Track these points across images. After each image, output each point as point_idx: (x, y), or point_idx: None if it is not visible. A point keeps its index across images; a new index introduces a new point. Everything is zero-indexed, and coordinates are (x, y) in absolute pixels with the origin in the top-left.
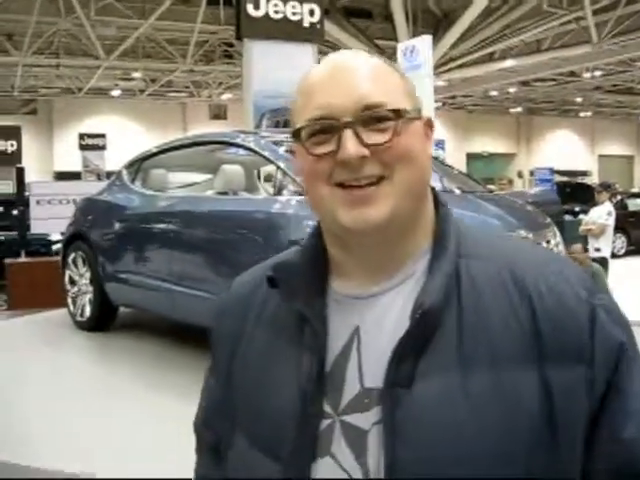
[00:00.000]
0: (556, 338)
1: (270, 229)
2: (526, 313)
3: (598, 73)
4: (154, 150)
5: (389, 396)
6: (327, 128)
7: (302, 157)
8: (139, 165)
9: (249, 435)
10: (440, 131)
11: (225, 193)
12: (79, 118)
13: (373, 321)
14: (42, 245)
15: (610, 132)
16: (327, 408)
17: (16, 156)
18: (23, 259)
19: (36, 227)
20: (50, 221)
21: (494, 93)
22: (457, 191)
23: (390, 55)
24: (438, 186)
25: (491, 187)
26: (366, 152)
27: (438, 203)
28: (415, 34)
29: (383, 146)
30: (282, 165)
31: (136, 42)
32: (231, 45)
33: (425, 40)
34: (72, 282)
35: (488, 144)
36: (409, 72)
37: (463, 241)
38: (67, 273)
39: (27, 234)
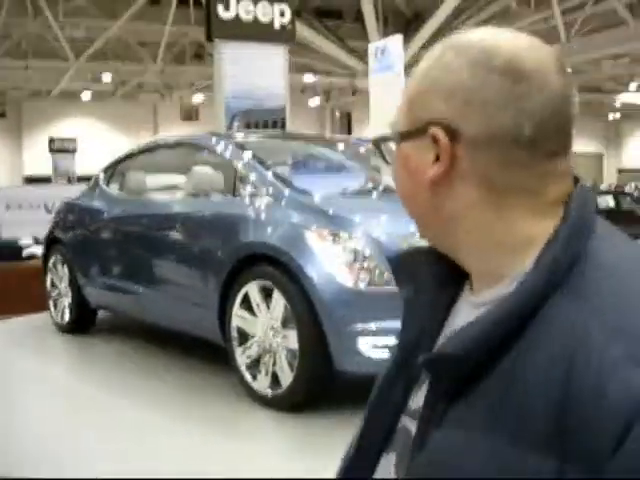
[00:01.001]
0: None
1: (224, 230)
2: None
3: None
4: (128, 153)
5: (419, 431)
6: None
7: None
8: (114, 169)
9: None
10: None
11: (198, 195)
12: (49, 121)
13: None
14: (12, 250)
15: (579, 130)
16: (408, 406)
17: None
18: None
19: (6, 232)
20: (20, 226)
21: None
22: None
23: (362, 56)
24: None
25: None
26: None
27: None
28: (386, 34)
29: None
30: (238, 166)
31: (106, 44)
32: (202, 46)
33: (396, 40)
34: (53, 285)
35: None
36: (380, 73)
37: (578, 272)
38: (48, 276)
39: None
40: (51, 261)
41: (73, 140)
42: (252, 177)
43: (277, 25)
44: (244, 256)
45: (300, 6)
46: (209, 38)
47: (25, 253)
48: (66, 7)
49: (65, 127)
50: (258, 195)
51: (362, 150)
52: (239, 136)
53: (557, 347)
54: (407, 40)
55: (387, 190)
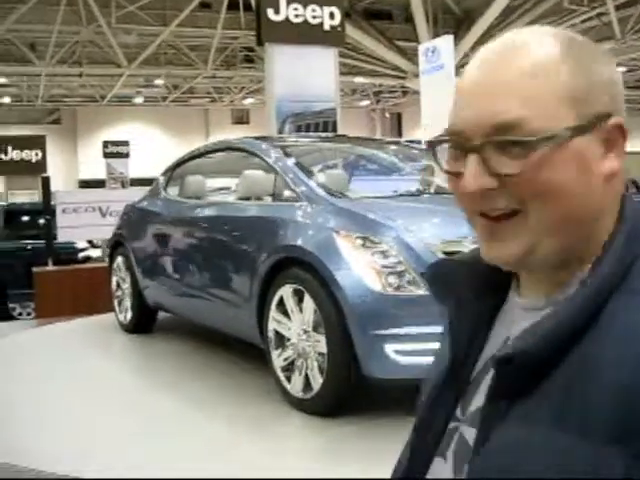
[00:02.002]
0: None
1: (263, 234)
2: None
3: (622, 69)
4: (184, 157)
5: (481, 431)
6: (457, 146)
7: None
8: (171, 172)
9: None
10: None
11: (249, 198)
12: (102, 126)
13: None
14: (69, 253)
15: (633, 128)
16: (458, 412)
17: (41, 165)
18: (50, 267)
19: (62, 235)
20: (76, 229)
21: None
22: None
23: (411, 57)
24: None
25: None
26: (492, 184)
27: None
28: (436, 35)
29: (514, 178)
30: (279, 171)
31: (157, 49)
32: (252, 50)
33: (446, 40)
34: (118, 286)
35: None
36: (431, 73)
37: (635, 271)
38: (113, 277)
39: (54, 242)
40: (115, 263)
41: (126, 144)
42: (290, 181)
43: (327, 27)
44: (279, 260)
45: (350, 8)
46: (259, 42)
47: (81, 256)
48: (118, 14)
49: (118, 132)
50: (295, 199)
51: (414, 152)
52: (284, 140)
53: (623, 343)
54: (458, 40)
55: (438, 192)
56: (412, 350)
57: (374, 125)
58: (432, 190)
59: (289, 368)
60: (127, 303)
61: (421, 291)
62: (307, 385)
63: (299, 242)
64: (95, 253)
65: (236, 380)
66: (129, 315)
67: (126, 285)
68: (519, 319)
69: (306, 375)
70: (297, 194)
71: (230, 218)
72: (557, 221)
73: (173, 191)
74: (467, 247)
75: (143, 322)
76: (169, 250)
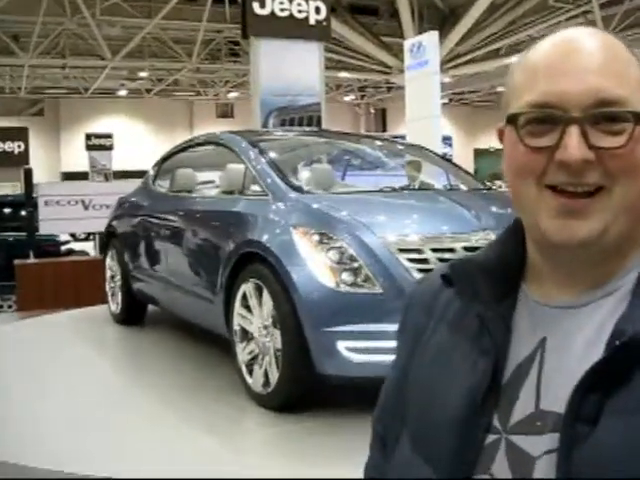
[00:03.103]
0: None
1: (230, 228)
2: None
3: None
4: (171, 151)
5: (568, 430)
6: (549, 119)
7: (512, 145)
8: (160, 166)
9: (413, 437)
10: (447, 127)
11: (232, 192)
12: (86, 118)
13: (563, 336)
14: (50, 246)
15: None
16: (496, 422)
17: (23, 157)
18: (32, 260)
19: (44, 228)
20: (58, 222)
21: (501, 89)
22: (464, 188)
23: (396, 52)
24: (445, 183)
25: (499, 183)
26: (591, 156)
27: None
28: (421, 31)
29: (611, 152)
30: (248, 165)
31: (142, 42)
32: (237, 43)
33: (431, 36)
34: (112, 278)
35: (495, 140)
36: (416, 69)
37: None
38: (107, 269)
39: (35, 235)
40: (108, 255)
41: (109, 137)
42: (257, 176)
43: (312, 22)
44: (242, 255)
45: (335, 3)
46: (245, 35)
47: (63, 249)
48: (103, 5)
49: (102, 125)
50: (262, 194)
51: (398, 147)
52: (260, 134)
53: None
54: (443, 36)
55: (422, 188)
56: (365, 348)
57: (359, 120)
58: (416, 186)
59: (251, 363)
60: (118, 294)
61: (376, 289)
62: (267, 381)
63: (259, 237)
64: (77, 246)
65: (208, 374)
66: (120, 306)
67: (117, 277)
68: (559, 319)
69: (266, 371)
70: (263, 189)
71: (204, 212)
72: (636, 199)
73: (163, 184)
74: (428, 245)
75: (133, 313)
76: (152, 243)
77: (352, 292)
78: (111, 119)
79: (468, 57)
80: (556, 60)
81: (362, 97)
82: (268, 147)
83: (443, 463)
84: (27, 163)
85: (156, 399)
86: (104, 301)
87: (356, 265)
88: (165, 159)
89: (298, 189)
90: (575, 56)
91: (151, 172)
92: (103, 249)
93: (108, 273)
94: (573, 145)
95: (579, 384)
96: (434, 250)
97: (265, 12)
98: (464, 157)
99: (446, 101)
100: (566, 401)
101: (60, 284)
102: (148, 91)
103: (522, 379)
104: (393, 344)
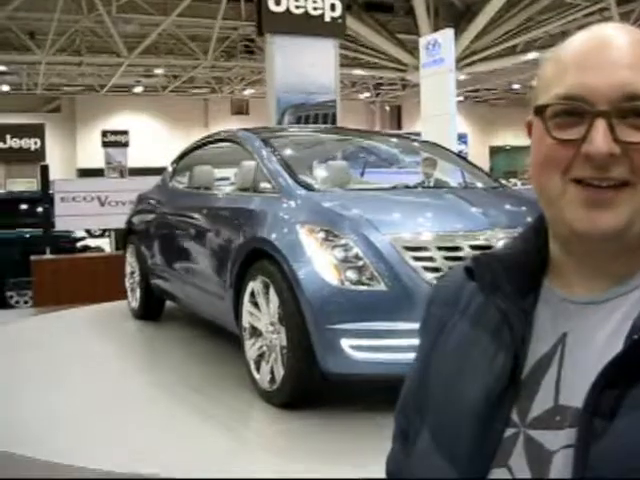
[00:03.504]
0: None
1: (241, 225)
2: None
3: None
4: (188, 148)
5: (586, 425)
6: (576, 112)
7: (539, 138)
8: (177, 163)
9: (432, 431)
10: (463, 125)
11: (247, 190)
12: (102, 115)
13: (584, 331)
14: (66, 242)
15: None
16: (514, 416)
17: (40, 154)
18: (48, 256)
19: (60, 224)
20: (74, 218)
21: (517, 86)
22: (477, 185)
23: (412, 50)
24: (459, 180)
25: (515, 181)
26: (617, 150)
27: None
28: (437, 28)
29: (638, 147)
30: (259, 162)
31: (158, 39)
32: (252, 40)
33: (447, 34)
34: (132, 274)
35: (511, 137)
36: (432, 66)
37: None
38: (127, 265)
39: (52, 231)
40: (128, 250)
41: (125, 133)
42: (268, 173)
43: (328, 19)
44: (250, 252)
45: (351, 0)
46: (260, 32)
47: (79, 245)
48: (119, 3)
49: (117, 121)
50: (272, 191)
51: (413, 145)
52: (273, 131)
53: None
54: (458, 33)
55: (434, 186)
56: (369, 346)
57: (374, 118)
58: (427, 183)
59: (260, 359)
60: (137, 290)
61: (380, 287)
62: (273, 377)
63: (266, 234)
64: (93, 242)
65: (221, 369)
66: (138, 302)
67: (136, 273)
68: (581, 314)
69: (272, 368)
70: (273, 186)
71: (216, 209)
72: None
73: (181, 181)
74: (434, 244)
75: (151, 309)
76: (168, 239)
77: (356, 290)
78: (127, 116)
79: (484, 54)
80: (585, 54)
81: (377, 94)
82: (280, 144)
83: (461, 456)
84: (43, 160)
85: (168, 394)
86: (120, 297)
87: (361, 263)
88: (182, 156)
89: (308, 187)
90: (604, 51)
91: (169, 169)
92: (124, 245)
93: (128, 269)
94: (599, 138)
95: (597, 379)
96: (440, 248)
97: (280, 9)
98: (480, 155)
99: (461, 99)
100: (584, 396)
101: (76, 280)
102: (164, 88)
103: (542, 374)
104: (397, 342)
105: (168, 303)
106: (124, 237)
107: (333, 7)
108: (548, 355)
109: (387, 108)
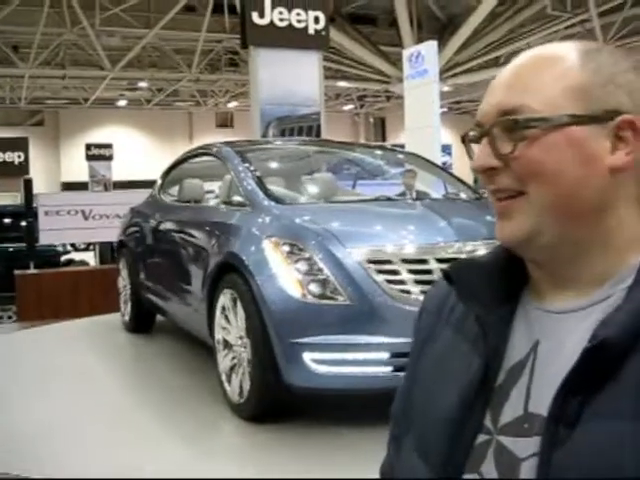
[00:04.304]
0: None
1: (213, 239)
2: None
3: None
4: (175, 162)
5: (550, 433)
6: (478, 134)
7: None
8: (165, 177)
9: (415, 435)
10: (447, 136)
11: (225, 203)
12: (86, 129)
13: (555, 340)
14: (50, 256)
15: None
16: (488, 423)
17: (23, 167)
18: (32, 270)
19: (44, 238)
20: (58, 232)
21: None
22: (453, 197)
23: (395, 61)
24: (438, 192)
25: None
26: (494, 163)
27: None
28: (420, 40)
29: (511, 157)
30: (233, 176)
31: (141, 52)
32: (236, 53)
33: (430, 46)
34: (124, 287)
35: None
36: (415, 78)
37: None
38: (120, 278)
39: (36, 245)
40: (120, 264)
41: (109, 147)
42: (240, 187)
43: (311, 31)
44: (221, 265)
45: (334, 12)
46: (244, 45)
47: (63, 259)
48: (102, 16)
49: (101, 135)
50: (244, 205)
51: (395, 157)
52: (249, 145)
53: None
54: (442, 45)
55: (413, 198)
56: (331, 360)
57: (358, 129)
58: (408, 196)
59: (231, 372)
60: (128, 303)
61: (342, 300)
62: (242, 390)
63: (234, 248)
64: (78, 256)
65: (201, 381)
66: (129, 315)
67: (127, 286)
68: (552, 324)
69: (241, 381)
70: (245, 200)
71: (194, 223)
72: (554, 202)
73: (171, 194)
74: (398, 257)
75: (142, 322)
76: (154, 253)
77: (318, 303)
78: (111, 129)
79: (467, 66)
80: (495, 78)
81: (361, 106)
82: (257, 158)
83: (435, 459)
84: (27, 173)
85: (146, 407)
86: (105, 311)
87: (324, 277)
88: (170, 170)
89: (279, 200)
90: (498, 76)
91: (158, 183)
92: (112, 258)
93: (120, 282)
94: (478, 154)
95: (560, 388)
96: (405, 261)
97: (264, 22)
98: (465, 166)
99: (445, 110)
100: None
101: (60, 294)
102: (148, 101)
103: (514, 381)
104: (360, 356)
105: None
106: (118, 250)
107: (317, 20)
108: (521, 363)
109: (371, 120)
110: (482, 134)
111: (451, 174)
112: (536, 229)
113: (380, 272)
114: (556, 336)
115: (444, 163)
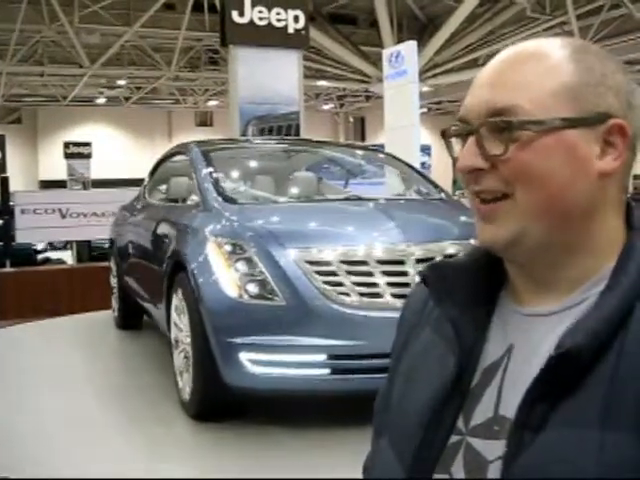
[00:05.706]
0: None
1: (169, 238)
2: None
3: None
4: (158, 160)
5: (515, 438)
6: (462, 132)
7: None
8: (151, 176)
9: (391, 434)
10: (426, 137)
11: (180, 201)
12: (64, 127)
13: (528, 343)
14: (26, 255)
15: None
16: (460, 424)
17: (0, 166)
18: (9, 269)
19: (21, 237)
20: (35, 231)
21: None
22: (414, 197)
23: (375, 61)
24: (395, 192)
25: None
26: (481, 164)
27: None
28: (400, 40)
29: (500, 159)
30: (193, 175)
31: (121, 50)
32: (216, 52)
33: (410, 46)
34: (114, 284)
35: None
36: (395, 78)
37: None
38: (112, 276)
39: (12, 244)
40: (111, 262)
41: (88, 145)
42: (196, 186)
43: (291, 30)
44: (174, 265)
45: (314, 12)
46: (223, 43)
47: (40, 258)
48: (81, 13)
49: (80, 133)
50: (197, 204)
51: (358, 154)
52: (217, 144)
53: None
54: (421, 45)
55: (362, 198)
56: (267, 360)
57: (337, 129)
58: (365, 196)
59: (183, 370)
60: (118, 300)
61: (278, 301)
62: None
63: (182, 247)
64: (55, 255)
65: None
66: (118, 312)
67: (116, 283)
68: (527, 326)
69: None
70: (200, 199)
71: (163, 221)
72: (541, 206)
73: (159, 193)
74: (338, 259)
75: (129, 319)
76: (134, 251)
77: (255, 304)
78: (89, 127)
79: (447, 67)
80: (480, 73)
81: (341, 106)
82: (221, 158)
83: (407, 458)
84: (4, 171)
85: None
86: (83, 309)
87: (262, 277)
88: (155, 168)
89: (231, 200)
90: (482, 72)
91: (145, 180)
92: (89, 256)
93: (112, 280)
94: (465, 154)
95: (526, 394)
96: (344, 262)
97: (244, 20)
98: (443, 166)
99: (425, 110)
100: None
101: (39, 293)
102: (127, 99)
103: (487, 383)
104: (295, 358)
105: None
106: (109, 248)
107: (297, 19)
108: (495, 365)
109: (351, 119)
110: (468, 132)
111: (422, 174)
112: (521, 232)
113: (318, 273)
114: (530, 339)
115: (423, 163)
